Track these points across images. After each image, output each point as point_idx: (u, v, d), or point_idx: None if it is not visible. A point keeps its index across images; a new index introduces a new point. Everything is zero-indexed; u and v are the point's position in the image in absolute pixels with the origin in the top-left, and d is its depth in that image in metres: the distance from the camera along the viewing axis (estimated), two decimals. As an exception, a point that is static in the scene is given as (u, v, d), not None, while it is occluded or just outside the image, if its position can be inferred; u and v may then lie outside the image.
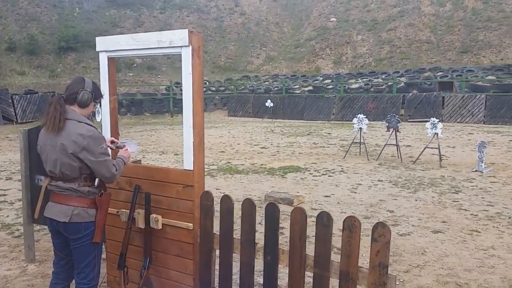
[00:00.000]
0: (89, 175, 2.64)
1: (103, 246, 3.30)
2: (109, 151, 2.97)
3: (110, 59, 3.28)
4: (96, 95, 2.77)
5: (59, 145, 2.56)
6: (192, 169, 3.00)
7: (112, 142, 3.07)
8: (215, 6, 39.25)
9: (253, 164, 10.05)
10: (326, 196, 6.99)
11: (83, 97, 2.66)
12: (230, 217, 2.93)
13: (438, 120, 9.74)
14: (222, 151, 12.06)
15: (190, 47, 2.90)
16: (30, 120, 21.10)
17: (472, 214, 5.93)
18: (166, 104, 26.39)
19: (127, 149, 2.98)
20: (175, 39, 2.93)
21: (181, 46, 2.92)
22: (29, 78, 26.17)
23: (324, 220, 2.50)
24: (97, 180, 2.67)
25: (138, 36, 3.10)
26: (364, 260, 3.95)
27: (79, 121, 2.61)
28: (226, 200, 2.94)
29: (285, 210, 5.49)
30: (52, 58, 29.50)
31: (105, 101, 3.28)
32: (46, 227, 4.85)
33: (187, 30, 2.90)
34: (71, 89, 2.68)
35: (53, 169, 2.63)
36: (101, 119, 3.37)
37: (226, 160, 10.55)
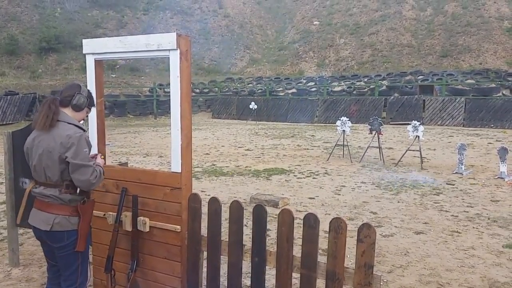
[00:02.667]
0: (72, 182, 2.60)
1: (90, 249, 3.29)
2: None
3: (97, 62, 3.27)
4: (91, 102, 2.81)
5: (46, 146, 2.56)
6: (180, 171, 3.01)
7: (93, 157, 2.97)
8: (199, 8, 39.18)
9: (238, 166, 10.08)
10: (310, 198, 7.07)
11: (79, 100, 2.68)
12: (218, 219, 2.95)
13: (419, 123, 9.93)
14: (207, 153, 12.05)
15: (178, 51, 2.92)
16: (10, 122, 20.71)
17: (452, 215, 6.07)
18: (150, 106, 26.19)
19: (102, 158, 2.96)
20: (163, 42, 2.94)
21: (169, 50, 2.94)
22: (9, 79, 25.71)
23: (311, 221, 2.55)
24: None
25: (126, 39, 3.10)
26: (348, 261, 4.01)
27: (69, 123, 2.62)
28: (214, 202, 2.97)
29: (270, 212, 5.52)
30: (33, 58, 29.04)
31: (92, 103, 3.27)
32: (30, 230, 4.80)
33: (175, 33, 2.91)
34: (67, 92, 2.69)
35: (38, 172, 2.62)
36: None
37: (211, 162, 10.55)
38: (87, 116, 2.95)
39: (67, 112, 2.67)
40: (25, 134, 4.02)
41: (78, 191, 2.64)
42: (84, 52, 3.27)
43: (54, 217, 2.57)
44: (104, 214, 3.23)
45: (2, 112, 20.92)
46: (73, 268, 2.70)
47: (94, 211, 3.27)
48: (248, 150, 12.76)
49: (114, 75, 29.42)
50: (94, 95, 3.16)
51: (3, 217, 5.70)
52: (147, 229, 3.09)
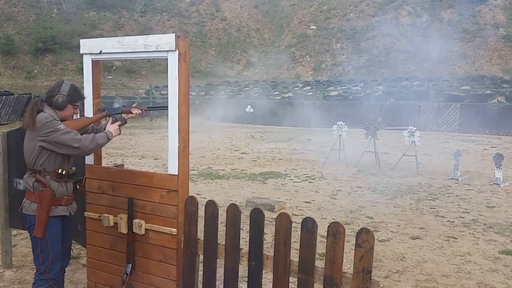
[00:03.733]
0: (39, 169, 2.79)
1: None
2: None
3: (94, 62, 3.24)
4: (73, 98, 2.90)
5: (29, 137, 2.81)
6: (176, 173, 2.98)
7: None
8: (196, 11, 39.18)
9: (234, 169, 10.05)
10: (306, 202, 7.05)
11: (57, 100, 2.83)
12: (215, 222, 2.92)
13: (415, 128, 9.94)
14: (202, 156, 12.01)
15: (177, 52, 2.89)
16: (5, 122, 20.59)
17: (448, 221, 6.07)
18: (145, 108, 26.11)
19: (116, 126, 3.05)
20: (161, 43, 2.92)
21: (167, 51, 2.92)
22: (4, 79, 25.58)
23: (309, 225, 2.53)
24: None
25: (124, 40, 3.07)
26: (345, 266, 3.99)
27: (43, 112, 2.79)
28: (211, 206, 2.94)
29: (266, 216, 5.49)
30: (29, 59, 28.92)
31: (89, 104, 3.24)
32: (23, 232, 4.75)
33: (174, 34, 2.89)
34: (49, 92, 2.87)
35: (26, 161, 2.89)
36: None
37: (206, 165, 10.51)
38: (76, 110, 3.03)
39: (49, 111, 2.82)
40: (20, 134, 3.99)
41: (35, 179, 2.79)
42: (81, 52, 3.24)
43: (25, 200, 2.86)
44: (99, 216, 3.19)
45: (-4, 112, 20.78)
46: (35, 253, 2.88)
47: (88, 213, 3.25)
48: (244, 153, 12.73)
49: (110, 77, 29.35)
50: (85, 91, 3.17)
51: None
52: (143, 232, 3.06)
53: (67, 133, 2.74)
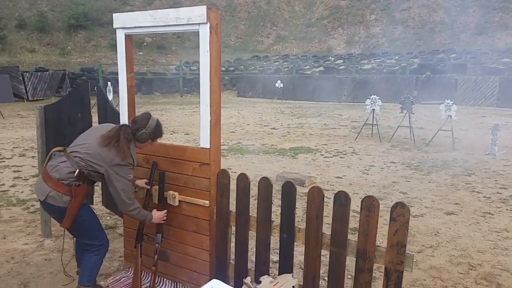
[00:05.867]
0: (85, 173, 2.77)
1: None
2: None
3: (127, 37, 3.26)
4: (155, 135, 2.96)
5: (102, 150, 2.76)
6: (208, 147, 3.00)
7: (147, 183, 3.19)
8: (226, -16, 38.75)
9: (264, 144, 10.05)
10: (337, 177, 7.00)
11: (142, 135, 2.87)
12: (247, 195, 2.94)
13: (452, 102, 9.63)
14: (232, 131, 12.07)
15: (208, 24, 2.86)
16: (40, 98, 21.24)
17: (485, 197, 5.91)
18: (176, 84, 26.33)
19: (164, 216, 3.09)
20: (193, 16, 2.89)
21: (199, 23, 2.89)
22: (39, 56, 26.23)
23: (342, 199, 2.51)
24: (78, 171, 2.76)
25: (156, 13, 3.06)
26: (377, 240, 3.96)
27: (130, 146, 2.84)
28: (243, 179, 2.95)
29: (296, 190, 5.49)
30: (62, 35, 29.48)
31: (123, 78, 3.27)
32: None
33: (205, 6, 2.85)
34: (135, 123, 2.91)
35: (76, 145, 2.86)
36: (112, 97, 3.39)
37: (236, 140, 10.56)
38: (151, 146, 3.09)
39: (132, 145, 2.86)
40: (57, 109, 4.09)
41: (76, 175, 2.75)
42: (114, 26, 3.25)
43: (50, 190, 2.75)
44: (135, 188, 3.26)
45: (32, 88, 21.42)
46: (83, 235, 2.99)
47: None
48: (273, 128, 12.70)
49: (141, 53, 29.63)
50: (119, 65, 3.18)
51: (36, 194, 5.86)
52: (176, 203, 3.11)
53: (128, 185, 2.81)
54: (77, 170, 2.74)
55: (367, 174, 7.23)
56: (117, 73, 3.41)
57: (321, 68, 26.18)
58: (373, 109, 10.62)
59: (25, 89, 21.15)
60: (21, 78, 21.09)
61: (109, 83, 15.20)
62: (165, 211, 3.10)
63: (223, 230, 3.06)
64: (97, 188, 4.94)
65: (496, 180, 6.79)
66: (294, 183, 2.90)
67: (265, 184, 2.85)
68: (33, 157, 8.15)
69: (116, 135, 2.79)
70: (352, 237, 2.54)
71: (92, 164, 2.76)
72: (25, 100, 20.82)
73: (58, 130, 4.10)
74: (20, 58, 25.15)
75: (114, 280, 3.41)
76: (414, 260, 3.89)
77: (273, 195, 2.88)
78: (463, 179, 6.87)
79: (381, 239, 4.07)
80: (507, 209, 5.39)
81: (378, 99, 10.69)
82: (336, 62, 26.53)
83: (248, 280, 2.92)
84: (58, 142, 3.65)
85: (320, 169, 7.57)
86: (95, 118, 3.77)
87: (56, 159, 2.85)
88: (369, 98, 10.78)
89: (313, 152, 9.06)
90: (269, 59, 30.00)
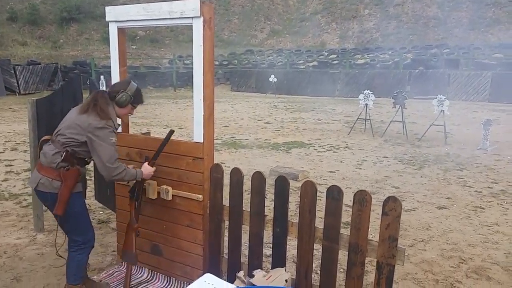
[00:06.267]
0: (71, 153, 2.72)
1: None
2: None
3: (120, 30, 3.24)
4: (136, 100, 2.94)
5: (79, 120, 2.73)
6: (202, 141, 3.00)
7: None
8: (219, -22, 38.53)
9: (257, 139, 10.06)
10: (330, 172, 7.03)
11: (122, 97, 2.84)
12: (240, 189, 2.95)
13: (444, 97, 9.68)
14: (226, 126, 12.06)
15: (202, 18, 2.85)
16: (32, 91, 21.04)
17: (476, 191, 5.97)
18: (169, 78, 26.21)
19: (152, 170, 2.99)
20: (186, 9, 2.88)
21: (192, 17, 2.88)
22: (31, 49, 25.99)
23: (335, 193, 2.52)
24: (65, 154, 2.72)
25: (149, 7, 3.05)
26: (369, 234, 3.99)
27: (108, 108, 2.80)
28: (236, 173, 2.96)
29: (290, 185, 5.52)
30: (54, 28, 29.21)
31: (115, 72, 3.26)
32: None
33: (198, 0, 2.84)
34: (113, 87, 2.91)
35: (59, 128, 2.80)
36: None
37: (230, 135, 10.56)
38: (133, 112, 3.04)
39: (110, 107, 2.82)
40: (49, 103, 4.07)
41: (62, 157, 2.70)
42: (107, 19, 3.23)
43: (41, 177, 2.73)
44: (128, 182, 3.25)
45: (24, 82, 21.21)
46: (69, 228, 2.91)
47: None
48: (267, 123, 12.71)
49: (134, 47, 29.45)
50: (111, 59, 3.16)
51: (27, 183, 5.83)
52: (170, 198, 3.11)
53: (110, 149, 2.70)
54: (63, 153, 2.70)
55: (360, 168, 7.27)
56: (109, 67, 3.39)
57: (315, 63, 26.19)
58: (366, 104, 10.65)
59: (17, 83, 20.94)
60: (12, 71, 20.87)
61: (102, 76, 15.12)
62: (154, 169, 3.01)
63: (216, 224, 3.06)
64: (90, 183, 4.94)
65: (487, 175, 6.86)
66: (288, 177, 2.92)
67: (259, 178, 2.86)
68: (25, 151, 8.09)
69: (93, 99, 2.77)
70: (345, 231, 2.56)
71: (73, 135, 2.70)
72: (17, 94, 20.63)
73: (50, 124, 4.06)
74: (12, 51, 24.90)
75: (107, 274, 3.41)
76: (406, 254, 3.92)
77: (266, 189, 2.90)
78: (455, 173, 6.93)
79: (373, 233, 4.09)
80: (497, 203, 5.45)
81: (371, 94, 10.72)
82: (330, 57, 26.55)
83: (241, 274, 2.94)
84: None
85: (313, 164, 7.60)
86: (87, 112, 3.74)
87: (44, 147, 2.83)
88: (363, 93, 10.81)
89: (306, 147, 9.08)
90: (263, 53, 29.95)
